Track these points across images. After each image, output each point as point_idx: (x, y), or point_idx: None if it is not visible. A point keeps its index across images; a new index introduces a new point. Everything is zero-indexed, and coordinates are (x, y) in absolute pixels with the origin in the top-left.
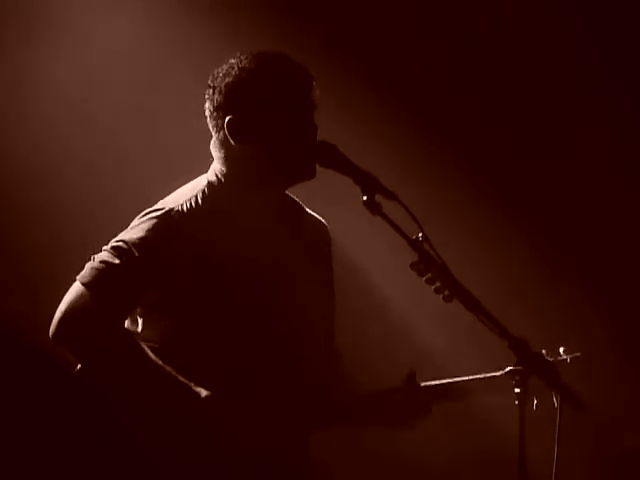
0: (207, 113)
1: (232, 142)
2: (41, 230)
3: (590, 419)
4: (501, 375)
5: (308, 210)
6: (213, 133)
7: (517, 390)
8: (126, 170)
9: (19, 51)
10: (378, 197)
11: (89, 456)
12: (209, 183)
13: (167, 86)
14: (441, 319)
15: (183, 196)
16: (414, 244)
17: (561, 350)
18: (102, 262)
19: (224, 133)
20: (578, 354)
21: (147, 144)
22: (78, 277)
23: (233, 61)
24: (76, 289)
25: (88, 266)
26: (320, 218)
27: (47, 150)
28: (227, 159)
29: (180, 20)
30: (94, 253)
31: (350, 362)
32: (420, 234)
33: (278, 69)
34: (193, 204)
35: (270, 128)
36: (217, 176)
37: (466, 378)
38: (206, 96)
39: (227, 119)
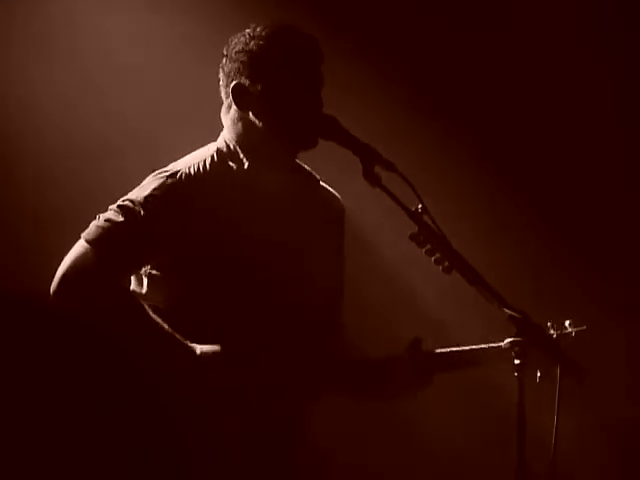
0: (220, 82)
1: (236, 108)
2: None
3: (589, 389)
4: (502, 346)
5: (323, 183)
6: (224, 100)
7: (517, 361)
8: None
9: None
10: (377, 169)
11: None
12: (218, 150)
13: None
14: (448, 289)
15: (192, 160)
16: (413, 215)
17: (567, 323)
18: (107, 220)
19: (230, 99)
20: (584, 327)
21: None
22: (83, 234)
23: (247, 30)
24: (80, 246)
25: (93, 224)
26: (334, 192)
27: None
28: (233, 125)
29: (182, 12)
30: (101, 212)
31: (356, 332)
32: (419, 205)
33: (287, 38)
34: (201, 168)
35: (272, 96)
36: (226, 142)
37: (468, 348)
38: (220, 65)
39: (232, 84)
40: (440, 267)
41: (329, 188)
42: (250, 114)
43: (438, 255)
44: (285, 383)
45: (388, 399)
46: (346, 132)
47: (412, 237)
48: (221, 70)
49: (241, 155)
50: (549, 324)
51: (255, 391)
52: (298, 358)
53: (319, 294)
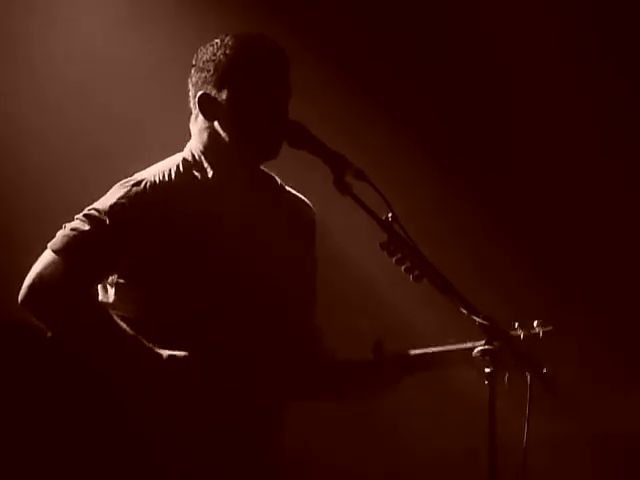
0: (189, 92)
1: (202, 118)
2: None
3: (560, 399)
4: (470, 349)
5: (288, 188)
6: (192, 110)
7: (487, 370)
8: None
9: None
10: (348, 177)
11: (62, 418)
12: (184, 159)
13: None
14: (421, 295)
15: (158, 169)
16: (384, 224)
17: (535, 323)
18: (73, 229)
19: (197, 109)
20: (550, 328)
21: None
22: (49, 244)
23: (215, 40)
24: (47, 256)
25: (59, 234)
26: (302, 197)
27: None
28: (199, 135)
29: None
30: (67, 222)
31: (332, 335)
32: (390, 214)
33: (253, 48)
34: (166, 177)
35: (237, 106)
36: (192, 152)
37: (435, 349)
38: (189, 75)
39: (199, 94)
40: (410, 276)
41: (296, 193)
42: (215, 124)
43: (408, 264)
44: (255, 386)
45: (354, 400)
46: (316, 139)
47: (382, 246)
48: (189, 80)
49: (205, 164)
50: (516, 325)
51: (224, 395)
52: (268, 362)
53: (290, 297)
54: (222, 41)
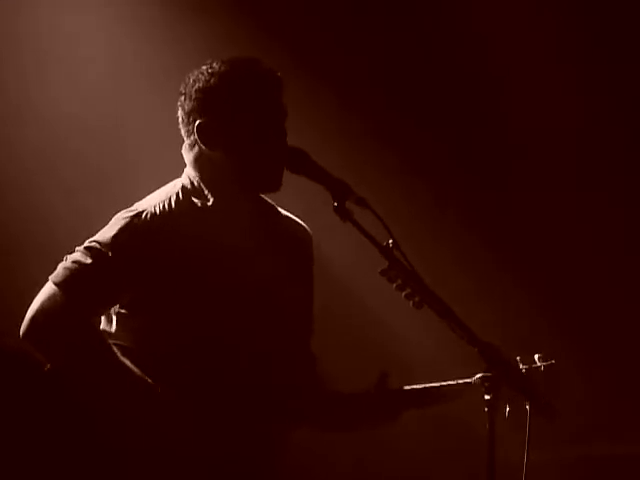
0: (179, 120)
1: (202, 147)
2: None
3: (559, 426)
4: (472, 382)
5: (286, 213)
6: (185, 138)
7: (487, 397)
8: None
9: None
10: (349, 204)
11: (57, 449)
12: (183, 186)
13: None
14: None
15: (157, 198)
16: (384, 250)
17: (536, 357)
18: (74, 262)
19: (194, 137)
20: (552, 362)
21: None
22: (51, 277)
23: (204, 67)
24: (48, 289)
25: (61, 266)
26: (299, 221)
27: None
28: (198, 163)
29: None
30: (67, 253)
31: (329, 365)
32: (390, 241)
33: (247, 73)
34: (166, 206)
35: (237, 133)
36: (190, 179)
37: (436, 384)
38: (178, 103)
39: (197, 123)
40: (411, 302)
41: (294, 217)
42: (213, 152)
43: (409, 290)
44: (256, 414)
45: (353, 432)
46: (317, 166)
47: (383, 272)
48: (180, 109)
49: (205, 191)
50: (518, 358)
51: (223, 426)
52: (268, 390)
53: (291, 325)
54: (213, 67)
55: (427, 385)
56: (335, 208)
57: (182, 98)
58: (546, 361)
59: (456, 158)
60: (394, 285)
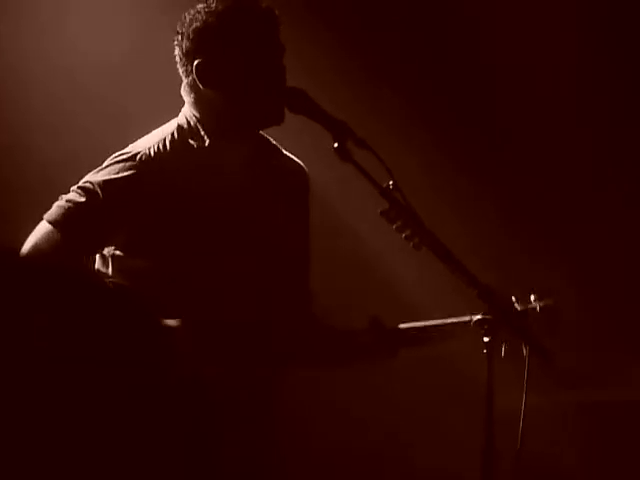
0: (177, 59)
1: (200, 86)
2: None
3: (555, 370)
4: (469, 322)
5: (286, 152)
6: (183, 78)
7: (486, 339)
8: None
9: None
10: (349, 145)
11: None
12: (179, 126)
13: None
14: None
15: (152, 140)
16: (385, 192)
17: (532, 297)
18: (69, 201)
19: (193, 77)
20: (550, 302)
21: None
22: (45, 215)
23: (200, 6)
24: (43, 227)
25: (55, 205)
26: (298, 161)
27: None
28: (196, 103)
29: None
30: (62, 194)
31: (325, 305)
32: (391, 182)
33: (244, 12)
34: (161, 147)
35: (237, 71)
36: (187, 119)
37: (433, 322)
38: (175, 42)
39: (195, 63)
40: (411, 243)
41: (294, 158)
42: (213, 91)
43: (408, 232)
44: (252, 352)
45: (349, 367)
46: (316, 106)
47: (383, 213)
48: (178, 48)
49: (202, 132)
50: (514, 299)
51: (220, 362)
52: (265, 328)
53: (286, 262)
54: (209, 7)
55: (424, 323)
56: (335, 148)
57: (179, 37)
58: (542, 300)
59: (455, 109)
60: (394, 226)
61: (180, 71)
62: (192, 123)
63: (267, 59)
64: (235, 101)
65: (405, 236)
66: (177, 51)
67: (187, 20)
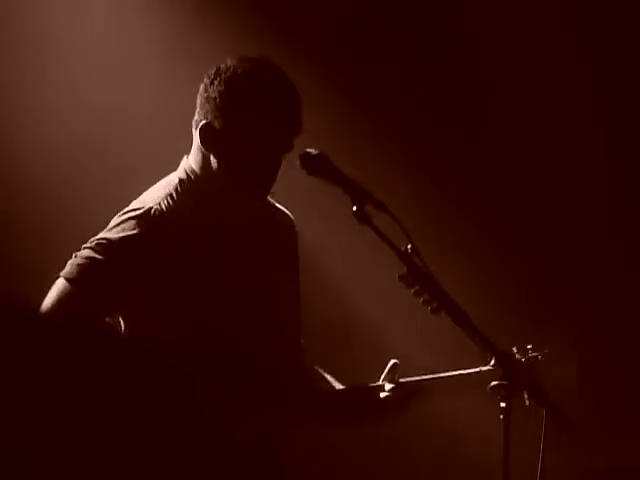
0: (195, 116)
1: (202, 147)
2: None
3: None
4: (477, 374)
5: (276, 204)
6: (193, 130)
7: (502, 404)
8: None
9: None
10: (368, 208)
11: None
12: (180, 180)
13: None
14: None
15: (158, 194)
16: (403, 256)
17: (529, 347)
18: (87, 258)
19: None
20: (546, 351)
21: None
22: (62, 273)
23: (223, 66)
24: (60, 284)
25: (71, 263)
26: (286, 211)
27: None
28: (197, 160)
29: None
30: (76, 251)
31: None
32: (409, 245)
33: (264, 85)
34: (170, 202)
35: (237, 144)
36: (187, 173)
37: (446, 374)
38: (200, 89)
39: (201, 124)
40: (429, 308)
41: (282, 207)
42: (211, 155)
43: (426, 296)
44: (260, 413)
45: (364, 426)
46: (337, 170)
47: (401, 278)
48: (199, 96)
49: (201, 190)
50: (514, 349)
51: (226, 417)
52: (272, 387)
53: (285, 316)
54: (231, 69)
55: (437, 375)
56: (354, 212)
57: (202, 89)
58: (539, 350)
59: (462, 156)
60: (412, 290)
61: (193, 127)
62: (192, 178)
63: (278, 135)
64: (227, 171)
65: (423, 300)
66: (198, 98)
67: (211, 76)
